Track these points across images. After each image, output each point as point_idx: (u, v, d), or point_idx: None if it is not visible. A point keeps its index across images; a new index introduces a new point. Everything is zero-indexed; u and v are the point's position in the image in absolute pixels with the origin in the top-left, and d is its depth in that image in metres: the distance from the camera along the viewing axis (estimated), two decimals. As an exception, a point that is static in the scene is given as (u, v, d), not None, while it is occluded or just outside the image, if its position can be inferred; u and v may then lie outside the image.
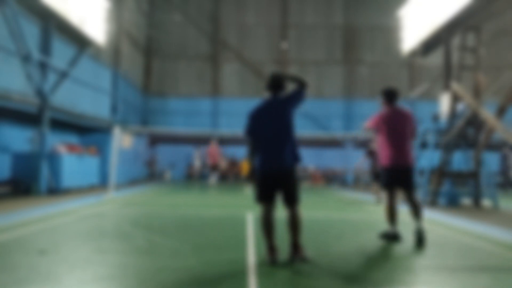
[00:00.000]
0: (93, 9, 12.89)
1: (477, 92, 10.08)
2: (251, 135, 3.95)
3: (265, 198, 3.83)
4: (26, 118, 11.07)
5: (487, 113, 9.47)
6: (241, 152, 20.95)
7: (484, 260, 4.09)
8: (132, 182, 17.24)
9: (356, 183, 20.27)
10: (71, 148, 12.23)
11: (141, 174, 20.10)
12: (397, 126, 4.83)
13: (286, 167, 3.80)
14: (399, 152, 4.76)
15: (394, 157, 4.77)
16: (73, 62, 12.59)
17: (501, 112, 9.46)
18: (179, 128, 21.22)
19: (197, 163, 19.47)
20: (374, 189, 10.60)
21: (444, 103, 11.15)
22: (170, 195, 11.96)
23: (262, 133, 3.88)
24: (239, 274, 3.35)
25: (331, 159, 22.20)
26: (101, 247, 4.28)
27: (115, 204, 8.66)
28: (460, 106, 10.63)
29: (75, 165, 12.00)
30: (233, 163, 21.30)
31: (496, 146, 16.68)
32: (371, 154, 10.57)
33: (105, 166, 13.83)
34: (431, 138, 10.96)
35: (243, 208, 8.32)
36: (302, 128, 21.80)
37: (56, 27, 11.53)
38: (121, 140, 14.00)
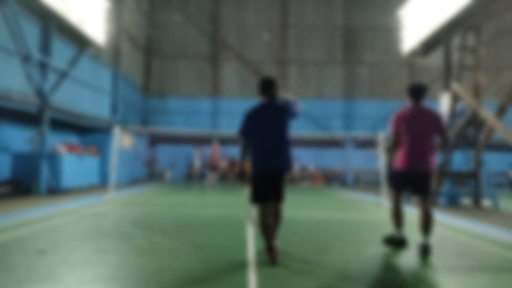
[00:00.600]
0: (93, 9, 12.90)
1: (477, 92, 10.08)
2: (245, 135, 3.96)
3: (262, 198, 3.87)
4: (26, 118, 11.08)
5: (487, 113, 9.47)
6: (241, 152, 20.91)
7: (484, 260, 4.09)
8: (132, 182, 17.24)
9: (356, 183, 20.26)
10: (71, 148, 12.23)
11: (141, 174, 20.11)
12: (416, 126, 4.30)
13: (283, 169, 3.89)
14: (415, 155, 4.26)
15: (409, 160, 4.27)
16: (73, 62, 12.59)
17: (501, 112, 9.47)
18: (179, 128, 21.22)
19: (197, 163, 19.47)
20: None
21: (444, 103, 11.16)
22: (170, 195, 11.96)
23: (260, 134, 3.91)
24: (239, 274, 3.35)
25: (331, 159, 22.21)
26: (101, 247, 4.28)
27: (115, 204, 8.66)
28: (460, 106, 10.64)
29: (75, 165, 12.00)
30: (233, 163, 21.30)
31: (496, 146, 16.67)
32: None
33: (105, 166, 13.84)
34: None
35: (243, 208, 8.31)
36: (302, 128, 21.84)
37: (56, 27, 11.53)
38: (121, 140, 14.00)
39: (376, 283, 3.23)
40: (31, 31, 10.66)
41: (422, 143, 4.26)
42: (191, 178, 20.86)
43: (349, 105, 23.37)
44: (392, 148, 4.51)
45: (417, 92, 4.40)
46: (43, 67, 10.98)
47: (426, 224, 4.17)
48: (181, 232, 5.46)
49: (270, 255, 3.74)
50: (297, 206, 9.14)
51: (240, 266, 3.61)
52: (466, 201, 10.44)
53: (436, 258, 4.07)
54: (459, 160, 10.92)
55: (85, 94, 14.44)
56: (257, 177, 3.90)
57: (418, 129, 4.30)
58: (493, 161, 16.27)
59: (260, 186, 3.87)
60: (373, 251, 4.41)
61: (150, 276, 3.27)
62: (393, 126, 4.48)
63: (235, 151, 21.55)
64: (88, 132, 15.51)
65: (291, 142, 4.00)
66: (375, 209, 8.84)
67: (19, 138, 11.44)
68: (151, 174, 21.44)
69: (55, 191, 10.68)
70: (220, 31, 23.41)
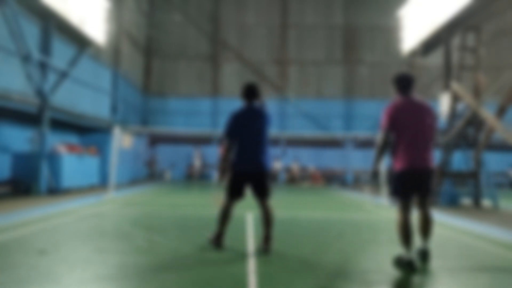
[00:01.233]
0: (93, 9, 12.89)
1: (477, 92, 10.08)
2: (232, 136, 4.28)
3: (237, 194, 4.29)
4: (26, 118, 11.07)
5: (487, 113, 9.47)
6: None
7: (484, 260, 4.09)
8: (132, 182, 17.24)
9: (356, 183, 20.27)
10: (71, 148, 12.23)
11: (141, 174, 20.10)
12: (413, 120, 3.76)
13: (264, 168, 4.27)
14: (416, 152, 3.72)
15: (410, 159, 3.71)
16: (73, 62, 12.59)
17: (501, 112, 9.46)
18: (179, 128, 21.22)
19: (197, 163, 19.46)
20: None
21: (444, 103, 11.15)
22: (170, 195, 11.96)
23: (245, 135, 4.25)
24: (239, 274, 3.35)
25: (331, 159, 22.20)
26: (101, 247, 4.28)
27: (115, 204, 8.66)
28: (460, 106, 10.64)
29: (75, 165, 12.00)
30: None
31: (496, 146, 16.68)
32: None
33: (105, 166, 13.83)
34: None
35: (243, 208, 8.28)
36: (302, 128, 21.86)
37: (56, 27, 11.52)
38: (121, 140, 14.00)
39: (376, 283, 3.23)
40: (31, 31, 10.65)
41: (422, 138, 3.77)
42: (191, 178, 20.86)
43: (349, 105, 23.37)
44: (384, 146, 3.84)
45: (407, 82, 3.88)
46: (43, 67, 10.98)
47: (426, 229, 3.89)
48: (181, 232, 5.47)
49: (217, 240, 4.28)
50: (297, 206, 9.14)
51: (240, 266, 3.61)
52: (466, 201, 10.43)
53: (436, 258, 4.07)
54: (459, 160, 10.92)
55: (85, 94, 14.43)
56: (237, 175, 4.26)
57: (417, 123, 3.77)
58: (493, 161, 16.26)
59: (238, 183, 4.26)
60: (373, 251, 4.41)
61: (150, 276, 3.27)
62: (387, 120, 3.79)
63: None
64: (88, 132, 15.51)
65: (270, 143, 4.42)
66: (375, 209, 8.84)
67: (19, 138, 11.44)
68: (151, 174, 21.44)
69: (55, 191, 10.67)
70: (220, 31, 23.40)
